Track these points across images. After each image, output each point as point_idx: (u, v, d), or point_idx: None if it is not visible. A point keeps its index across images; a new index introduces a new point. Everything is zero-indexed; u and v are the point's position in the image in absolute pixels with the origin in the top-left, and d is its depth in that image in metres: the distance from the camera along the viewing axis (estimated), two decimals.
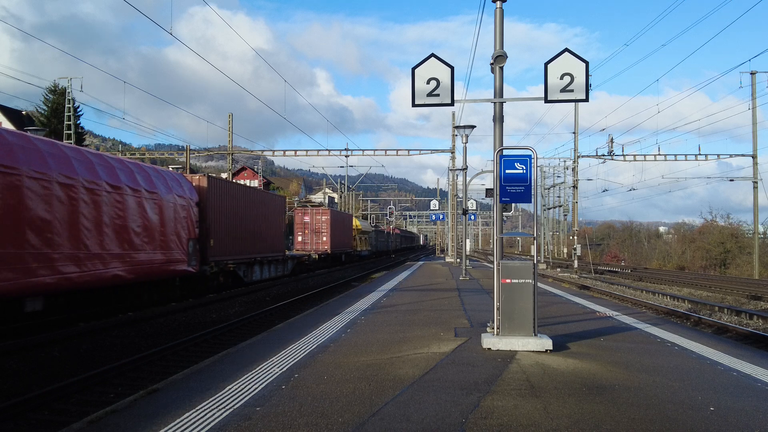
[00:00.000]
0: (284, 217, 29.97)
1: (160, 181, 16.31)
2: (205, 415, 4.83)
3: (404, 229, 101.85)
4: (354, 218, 48.72)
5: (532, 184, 7.73)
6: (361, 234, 50.22)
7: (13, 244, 10.39)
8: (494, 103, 8.45)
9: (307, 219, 37.00)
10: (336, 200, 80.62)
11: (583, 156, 39.23)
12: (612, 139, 37.92)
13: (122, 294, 15.05)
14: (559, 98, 8.20)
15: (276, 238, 27.21)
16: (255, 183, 77.33)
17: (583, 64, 8.11)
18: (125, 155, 43.50)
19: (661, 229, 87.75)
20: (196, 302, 17.26)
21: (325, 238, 37.11)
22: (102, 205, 13.18)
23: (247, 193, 24.01)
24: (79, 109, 46.81)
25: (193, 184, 18.85)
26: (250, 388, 5.67)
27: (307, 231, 36.96)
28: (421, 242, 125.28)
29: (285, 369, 6.53)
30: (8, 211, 10.31)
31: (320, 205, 71.51)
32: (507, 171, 7.74)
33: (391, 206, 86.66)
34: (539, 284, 11.11)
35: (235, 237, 21.51)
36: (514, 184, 7.74)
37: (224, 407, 5.03)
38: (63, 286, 11.74)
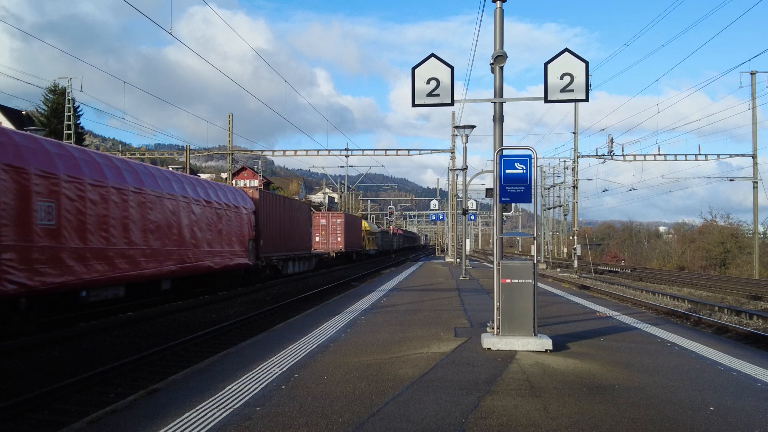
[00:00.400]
0: (310, 221, 35.21)
1: (233, 196, 21.64)
2: (205, 415, 4.83)
3: (406, 229, 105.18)
4: (363, 221, 53.63)
5: (532, 184, 7.74)
6: (369, 235, 54.66)
7: (156, 244, 15.55)
8: (494, 103, 8.45)
9: (323, 222, 41.44)
10: (336, 200, 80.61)
11: (583, 156, 39.24)
12: (612, 139, 37.95)
13: (211, 280, 19.95)
14: (559, 98, 8.20)
15: (304, 239, 32.12)
16: (255, 183, 77.36)
17: (583, 64, 8.11)
18: (125, 155, 43.53)
19: (661, 229, 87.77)
20: (196, 302, 17.27)
21: (339, 239, 41.54)
22: (201, 216, 18.42)
23: (284, 202, 29.51)
24: (79, 109, 46.82)
25: (250, 196, 23.60)
26: (250, 388, 5.67)
27: (323, 232, 41.10)
28: (422, 242, 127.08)
29: (285, 369, 6.53)
30: (150, 221, 15.37)
31: (320, 205, 71.54)
32: (507, 171, 7.74)
33: (391, 206, 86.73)
34: (539, 284, 11.11)
35: (276, 238, 26.13)
36: (514, 184, 7.74)
37: (224, 407, 5.03)
38: (181, 273, 16.98)
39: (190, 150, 36.60)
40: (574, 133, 39.05)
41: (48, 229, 11.26)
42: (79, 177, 12.30)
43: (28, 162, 10.84)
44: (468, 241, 30.94)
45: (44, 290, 11.08)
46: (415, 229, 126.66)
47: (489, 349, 7.48)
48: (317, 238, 40.39)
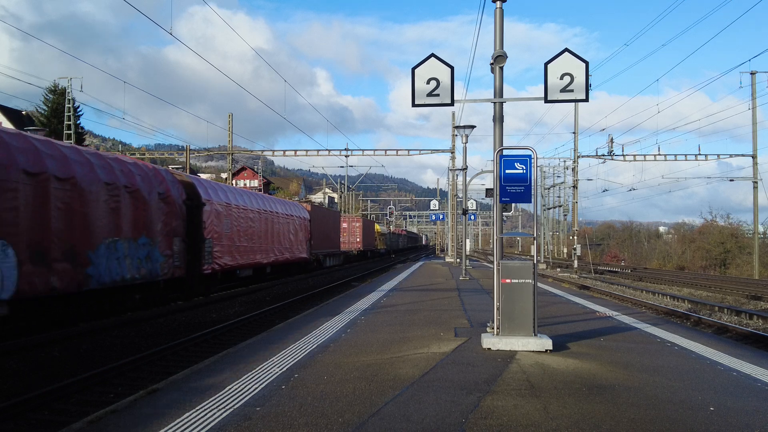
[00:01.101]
0: (339, 225, 43.68)
1: (298, 210, 30.24)
2: (205, 415, 4.83)
3: (409, 230, 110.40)
4: (375, 224, 63.13)
5: (532, 184, 7.74)
6: (380, 236, 62.70)
7: (265, 245, 23.90)
8: (494, 103, 8.45)
9: (345, 225, 47.55)
10: (336, 200, 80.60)
11: (583, 156, 39.25)
12: (612, 139, 37.96)
13: (288, 268, 28.43)
14: (559, 98, 8.20)
15: (336, 240, 41.68)
16: (255, 183, 77.37)
17: (583, 64, 8.11)
18: (125, 155, 43.43)
19: (661, 229, 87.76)
20: (196, 302, 17.27)
21: (358, 239, 49.17)
22: (284, 226, 26.80)
23: (325, 211, 41.21)
24: (79, 109, 46.82)
25: (305, 208, 32.49)
26: (250, 388, 5.67)
27: (345, 234, 47.34)
28: (423, 242, 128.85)
29: (285, 369, 6.53)
30: (263, 231, 23.63)
31: (320, 205, 71.99)
32: (507, 171, 7.74)
33: (391, 206, 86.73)
34: (539, 284, 11.11)
35: (320, 239, 34.87)
36: (514, 184, 7.74)
37: (224, 407, 5.03)
38: (275, 263, 25.38)
39: (190, 150, 36.61)
40: (574, 133, 39.06)
41: (227, 235, 19.62)
42: (240, 205, 21.17)
43: (221, 198, 19.82)
44: (468, 241, 30.97)
45: (226, 268, 19.59)
46: (415, 229, 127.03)
47: (489, 349, 7.48)
48: (341, 239, 45.82)
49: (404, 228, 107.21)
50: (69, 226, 11.31)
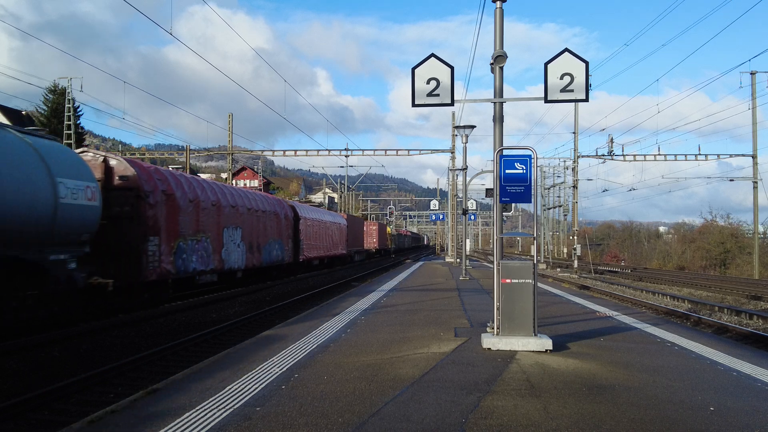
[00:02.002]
0: (362, 228, 53.18)
1: (339, 217, 40.52)
2: (205, 415, 4.83)
3: (413, 231, 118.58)
4: (387, 227, 72.07)
5: (532, 184, 7.73)
6: (390, 236, 71.69)
7: (325, 245, 35.05)
8: (494, 103, 8.45)
9: (365, 228, 56.09)
10: (336, 200, 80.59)
11: (583, 156, 39.24)
12: (612, 139, 37.95)
13: (334, 261, 37.62)
14: (559, 98, 8.20)
15: (361, 240, 52.09)
16: (255, 183, 77.34)
17: (583, 64, 8.11)
18: (125, 155, 43.46)
19: (661, 229, 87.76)
20: (196, 302, 17.26)
21: (375, 240, 57.55)
22: (334, 230, 37.07)
23: (355, 218, 50.29)
24: (78, 109, 46.82)
25: (343, 216, 42.84)
26: (250, 388, 5.67)
27: (366, 235, 55.76)
28: (425, 242, 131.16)
29: (285, 369, 6.53)
30: (324, 234, 35.11)
31: (320, 205, 72.38)
32: (507, 171, 7.74)
33: (391, 206, 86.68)
34: (539, 284, 11.11)
35: (352, 240, 44.71)
36: (514, 184, 7.74)
37: (224, 407, 5.03)
38: (330, 256, 36.17)
39: (190, 150, 36.61)
40: (574, 133, 39.06)
41: (308, 238, 29.97)
42: (314, 218, 32.02)
43: (307, 215, 31.02)
44: (468, 241, 30.99)
45: (308, 258, 30.06)
46: (415, 229, 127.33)
47: (489, 349, 7.48)
48: (364, 240, 54.62)
49: (405, 228, 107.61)
50: (260, 234, 23.03)
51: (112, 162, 14.70)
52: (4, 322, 10.36)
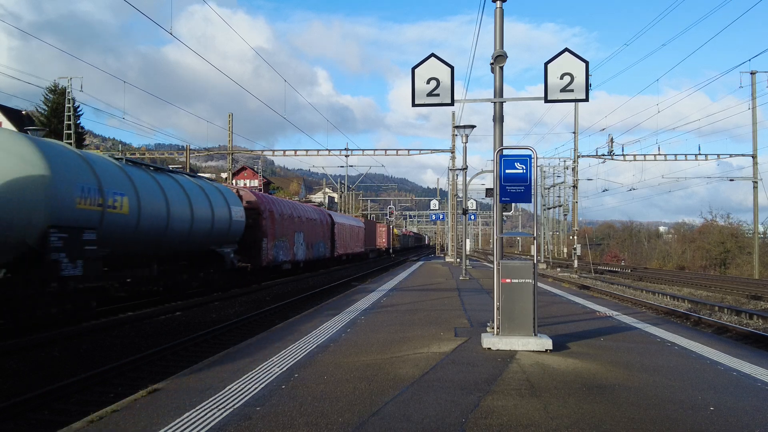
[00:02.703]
0: (375, 230, 61.43)
1: (360, 222, 48.95)
2: (205, 414, 4.82)
3: (415, 232, 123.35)
4: (393, 228, 79.30)
5: (532, 183, 7.73)
6: (396, 237, 79.10)
7: (350, 244, 44.03)
8: (494, 103, 8.45)
9: (376, 230, 63.11)
10: (336, 200, 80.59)
11: (583, 156, 39.24)
12: (612, 138, 37.94)
13: (355, 257, 46.19)
14: (559, 98, 8.20)
15: (374, 240, 59.15)
16: (255, 183, 77.33)
17: (583, 64, 8.11)
18: (125, 155, 43.48)
19: (661, 228, 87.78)
20: (196, 302, 17.26)
21: (384, 240, 64.38)
22: (358, 232, 46.96)
23: (370, 222, 60.17)
24: (78, 109, 46.80)
25: (361, 221, 50.43)
26: (250, 388, 5.67)
27: (377, 236, 62.60)
28: (426, 242, 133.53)
29: (285, 369, 6.53)
30: (350, 236, 43.89)
31: (320, 205, 72.74)
32: (507, 171, 7.73)
33: (391, 206, 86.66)
34: (539, 284, 11.10)
35: (367, 240, 51.29)
36: (514, 184, 7.73)
37: (224, 407, 5.03)
38: (352, 253, 44.45)
39: (190, 150, 36.61)
40: (574, 133, 39.06)
41: (340, 238, 38.56)
42: (343, 223, 41.08)
43: (338, 220, 40.16)
44: (468, 241, 30.98)
45: (339, 254, 38.86)
46: (415, 229, 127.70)
47: (489, 348, 7.48)
48: (376, 240, 61.64)
49: (405, 228, 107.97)
50: (313, 236, 30.97)
51: (242, 192, 23.39)
52: (200, 282, 18.94)
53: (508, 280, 7.45)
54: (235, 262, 20.46)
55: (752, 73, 35.36)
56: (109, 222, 12.84)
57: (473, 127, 22.27)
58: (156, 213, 14.90)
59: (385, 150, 37.59)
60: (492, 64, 8.42)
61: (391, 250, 70.69)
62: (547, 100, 8.22)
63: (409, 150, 37.78)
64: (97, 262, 12.33)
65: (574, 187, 39.85)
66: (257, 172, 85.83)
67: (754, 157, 37.35)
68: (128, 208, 13.53)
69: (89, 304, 12.69)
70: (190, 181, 18.23)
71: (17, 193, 10.48)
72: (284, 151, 37.63)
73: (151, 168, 16.52)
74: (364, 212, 79.83)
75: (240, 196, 22.17)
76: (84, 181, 12.04)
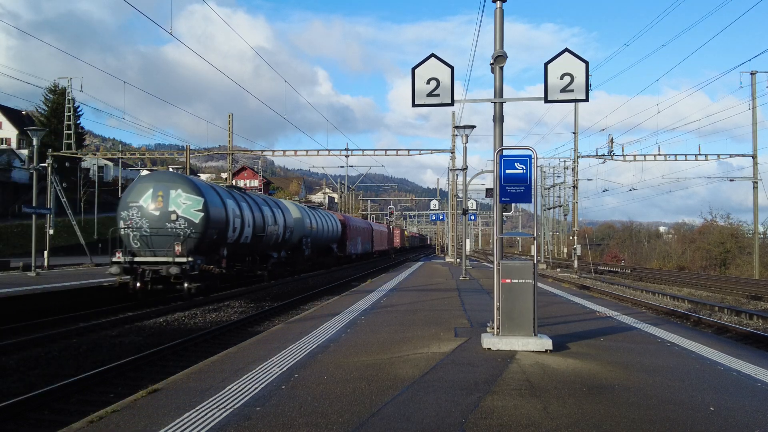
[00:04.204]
0: (392, 232, 71.86)
1: (383, 226, 68.20)
2: (205, 414, 4.82)
3: (419, 233, 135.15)
4: (404, 230, 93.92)
5: (532, 184, 7.73)
6: (406, 237, 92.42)
7: (377, 243, 58.83)
8: (494, 103, 8.45)
9: (393, 232, 73.90)
10: (336, 200, 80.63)
11: (583, 156, 39.20)
12: (612, 139, 37.86)
13: (382, 254, 61.90)
14: (559, 98, 8.20)
15: (392, 240, 70.29)
16: (255, 183, 77.33)
17: (583, 64, 8.11)
18: (125, 155, 43.49)
19: (661, 229, 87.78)
20: (196, 302, 17.27)
21: (397, 240, 75.74)
22: (382, 234, 63.34)
23: (389, 226, 72.93)
24: (78, 109, 46.81)
25: (385, 226, 69.44)
26: (250, 388, 5.67)
27: (394, 237, 73.49)
28: (429, 242, 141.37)
29: (285, 369, 6.53)
30: (375, 237, 58.87)
31: (320, 205, 73.49)
32: (507, 171, 7.73)
33: (391, 206, 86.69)
34: (539, 284, 11.11)
35: (390, 240, 67.64)
36: (514, 184, 7.73)
37: (224, 407, 5.03)
38: (378, 251, 59.28)
39: (189, 150, 36.60)
40: (574, 133, 39.05)
41: (375, 240, 55.79)
42: (375, 228, 57.97)
43: (374, 227, 59.55)
44: (468, 241, 30.98)
45: (376, 251, 57.12)
46: (415, 230, 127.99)
47: (489, 349, 7.48)
48: (394, 240, 73.97)
49: (403, 228, 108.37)
50: (364, 238, 49.95)
51: (336, 215, 42.22)
52: (322, 266, 36.79)
53: (508, 281, 7.45)
54: (338, 252, 40.45)
55: (752, 74, 35.34)
56: (315, 232, 33.17)
57: (473, 127, 22.28)
58: (319, 227, 34.32)
59: (385, 150, 37.56)
60: (492, 64, 8.42)
61: (402, 248, 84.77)
62: (547, 101, 8.22)
63: (409, 150, 37.75)
64: (310, 249, 32.35)
65: (574, 187, 39.85)
66: (257, 173, 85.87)
67: (754, 157, 37.34)
68: (317, 228, 33.54)
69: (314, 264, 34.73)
70: (324, 212, 39.35)
71: (297, 223, 28.92)
72: (284, 151, 37.60)
73: (316, 208, 39.33)
74: (364, 212, 79.92)
75: (337, 218, 40.81)
76: (308, 219, 31.59)
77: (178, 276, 16.92)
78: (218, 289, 20.22)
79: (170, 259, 17.00)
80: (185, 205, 17.82)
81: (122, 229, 17.79)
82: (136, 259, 17.22)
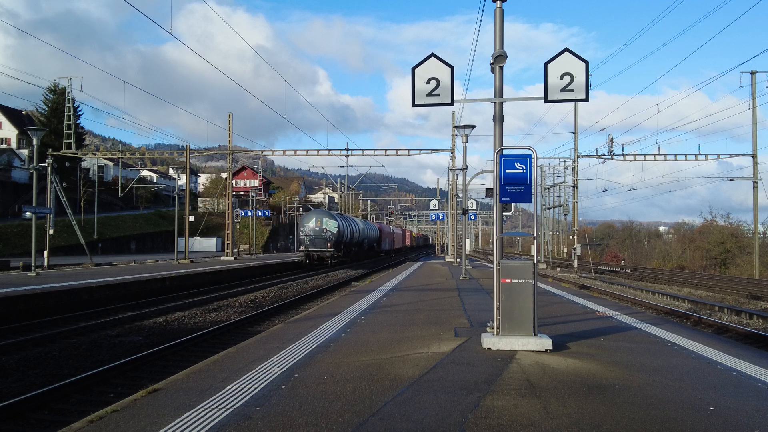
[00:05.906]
0: (405, 233, 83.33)
1: (397, 228, 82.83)
2: (205, 414, 4.83)
3: (422, 234, 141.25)
4: (412, 231, 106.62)
5: (532, 183, 7.73)
6: (413, 238, 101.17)
7: (396, 242, 75.70)
8: (494, 103, 8.45)
9: (399, 232, 79.14)
10: (336, 200, 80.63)
11: (583, 156, 39.22)
12: (612, 138, 37.89)
13: (399, 250, 76.66)
14: (559, 98, 8.19)
15: (405, 240, 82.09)
16: (255, 183, 77.32)
17: (583, 64, 8.10)
18: (125, 155, 43.48)
19: (661, 228, 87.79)
20: (196, 302, 17.28)
21: (408, 241, 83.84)
22: (400, 235, 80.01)
23: (403, 229, 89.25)
24: (78, 109, 46.82)
25: (400, 228, 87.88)
26: (250, 388, 5.67)
27: (405, 237, 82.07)
28: (431, 242, 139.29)
29: (285, 369, 6.53)
30: (395, 238, 75.22)
31: (320, 205, 73.17)
32: (507, 171, 7.73)
33: (391, 206, 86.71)
34: (539, 284, 11.11)
35: (402, 240, 79.11)
36: (514, 184, 7.73)
37: (224, 407, 5.03)
38: (396, 248, 74.82)
39: (189, 150, 36.60)
40: (574, 132, 39.07)
41: (393, 240, 70.93)
42: (393, 231, 73.01)
43: (392, 230, 74.63)
44: (468, 240, 30.98)
45: (391, 249, 68.87)
46: (415, 230, 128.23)
47: (489, 348, 7.48)
48: (405, 240, 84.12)
49: (403, 228, 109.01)
50: (389, 239, 67.09)
51: (374, 223, 67.45)
52: (369, 257, 55.65)
53: (508, 280, 7.45)
54: (376, 249, 56.57)
55: (752, 73, 35.36)
56: (367, 236, 52.28)
57: (473, 127, 22.27)
58: (368, 233, 52.52)
59: (385, 150, 37.57)
60: (492, 64, 8.41)
61: (411, 247, 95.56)
62: (547, 100, 8.22)
63: (409, 150, 37.74)
64: (366, 246, 52.47)
65: (574, 187, 39.86)
66: (257, 172, 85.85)
67: (754, 157, 37.36)
68: (367, 233, 51.97)
69: (378, 253, 60.05)
70: (368, 222, 59.09)
71: (362, 231, 49.70)
72: (284, 151, 37.62)
73: (365, 220, 61.67)
74: (364, 212, 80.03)
75: (375, 226, 57.46)
76: (366, 229, 51.81)
77: (327, 257, 37.10)
78: (341, 263, 40.11)
79: (324, 250, 36.86)
80: (329, 225, 37.43)
81: (303, 236, 37.34)
82: (309, 250, 36.95)
